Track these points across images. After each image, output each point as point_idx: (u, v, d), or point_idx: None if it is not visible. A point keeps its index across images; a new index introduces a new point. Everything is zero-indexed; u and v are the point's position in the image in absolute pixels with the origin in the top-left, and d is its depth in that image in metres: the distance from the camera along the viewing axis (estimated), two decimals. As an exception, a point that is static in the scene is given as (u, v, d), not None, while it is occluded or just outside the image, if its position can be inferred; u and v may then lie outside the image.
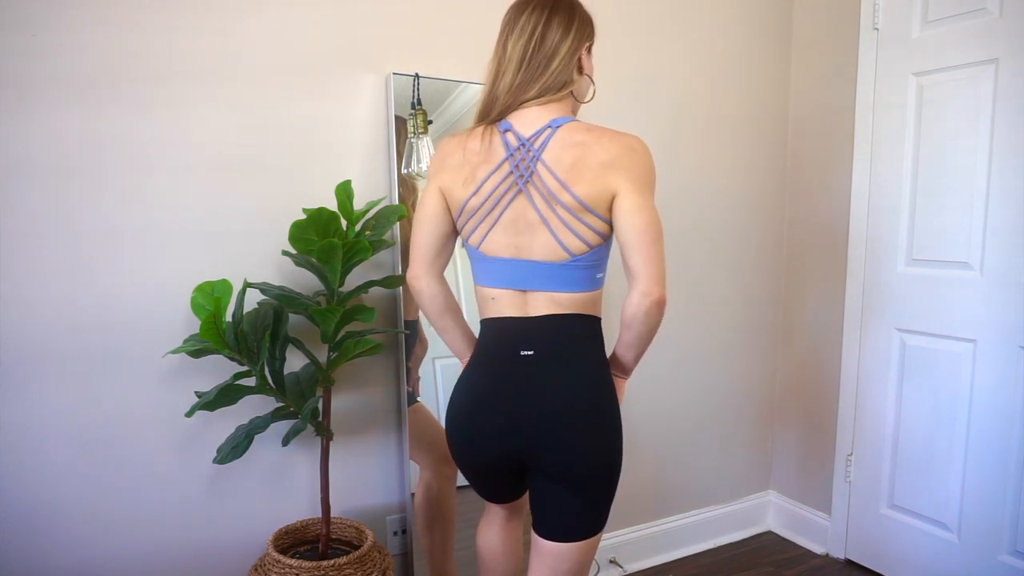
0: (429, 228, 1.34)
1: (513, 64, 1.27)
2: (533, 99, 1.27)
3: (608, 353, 1.37)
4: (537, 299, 1.29)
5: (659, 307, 1.23)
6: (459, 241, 1.41)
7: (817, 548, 2.47)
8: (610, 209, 1.23)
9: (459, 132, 1.36)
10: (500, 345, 1.31)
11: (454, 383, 1.40)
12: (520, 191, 1.25)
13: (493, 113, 1.30)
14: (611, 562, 2.27)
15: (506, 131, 1.27)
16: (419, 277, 1.38)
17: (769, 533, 2.62)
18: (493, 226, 1.28)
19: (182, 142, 1.57)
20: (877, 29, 2.21)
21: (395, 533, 1.89)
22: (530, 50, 1.26)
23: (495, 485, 1.43)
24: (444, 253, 1.38)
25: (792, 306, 2.56)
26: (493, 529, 1.54)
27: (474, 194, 1.27)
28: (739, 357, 2.52)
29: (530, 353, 1.26)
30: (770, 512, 2.65)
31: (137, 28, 1.51)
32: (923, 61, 2.09)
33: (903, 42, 2.14)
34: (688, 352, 2.39)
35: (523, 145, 1.25)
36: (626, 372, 1.40)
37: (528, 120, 1.27)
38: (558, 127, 1.25)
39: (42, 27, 1.43)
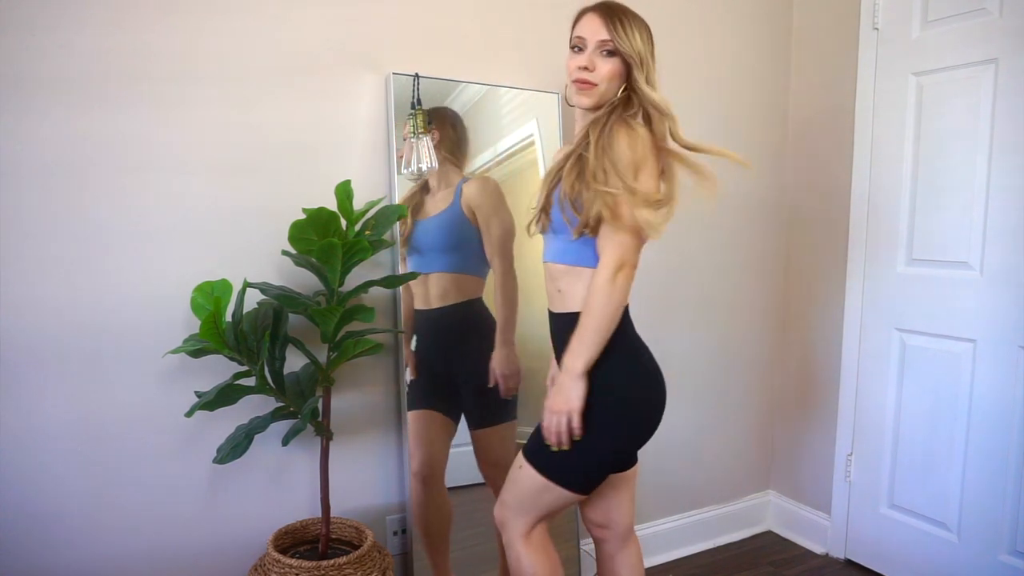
0: None
1: None
2: None
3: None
4: None
5: None
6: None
7: (817, 548, 2.47)
8: None
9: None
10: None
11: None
12: None
13: None
14: (611, 562, 2.27)
15: None
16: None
17: (769, 533, 2.62)
18: None
19: (182, 142, 1.57)
20: (877, 29, 2.21)
21: (395, 533, 1.89)
22: None
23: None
24: None
25: (792, 306, 2.56)
26: (552, 543, 1.50)
27: None
28: (739, 357, 2.52)
29: None
30: (770, 512, 2.65)
31: (137, 28, 1.51)
32: (923, 61, 2.09)
33: (903, 42, 2.14)
34: (688, 352, 2.39)
35: None
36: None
37: None
38: None
39: (42, 27, 1.43)
